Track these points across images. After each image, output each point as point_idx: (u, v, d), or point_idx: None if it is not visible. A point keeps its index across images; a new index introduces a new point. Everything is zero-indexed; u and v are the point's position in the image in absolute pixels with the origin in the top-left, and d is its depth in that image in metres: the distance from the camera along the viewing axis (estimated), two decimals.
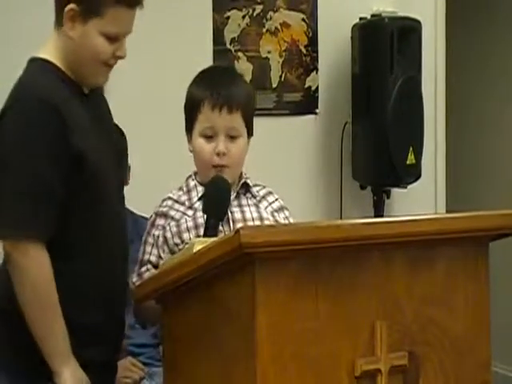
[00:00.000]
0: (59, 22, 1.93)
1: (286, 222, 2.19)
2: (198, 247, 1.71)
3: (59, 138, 1.84)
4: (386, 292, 1.71)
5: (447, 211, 4.06)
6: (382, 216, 3.67)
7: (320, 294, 1.63)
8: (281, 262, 1.59)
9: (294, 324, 1.61)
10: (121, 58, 1.96)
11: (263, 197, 2.19)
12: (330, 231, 1.64)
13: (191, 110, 2.11)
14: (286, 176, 3.62)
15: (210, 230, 2.00)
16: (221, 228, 2.04)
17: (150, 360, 2.73)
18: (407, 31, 3.63)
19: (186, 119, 2.14)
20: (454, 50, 4.31)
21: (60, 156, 1.85)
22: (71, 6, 1.88)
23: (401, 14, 3.76)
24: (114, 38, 1.91)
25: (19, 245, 1.81)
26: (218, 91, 2.06)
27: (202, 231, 2.04)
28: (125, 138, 2.66)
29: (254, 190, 2.18)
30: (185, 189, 2.16)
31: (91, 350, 1.90)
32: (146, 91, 3.13)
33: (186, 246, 1.96)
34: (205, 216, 2.03)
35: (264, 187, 2.22)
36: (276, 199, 2.21)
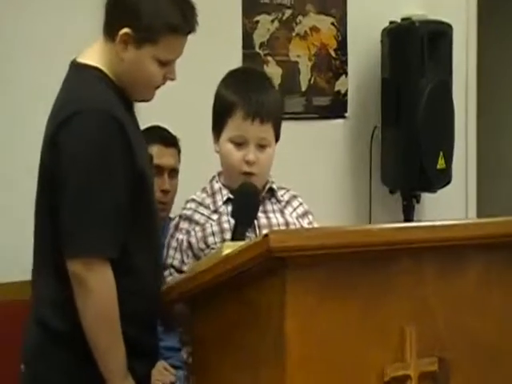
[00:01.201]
0: (109, 35, 1.90)
1: (311, 227, 2.18)
2: (226, 251, 1.71)
3: (128, 157, 1.83)
4: (416, 297, 1.69)
5: (478, 216, 4.03)
6: (411, 221, 3.64)
7: (350, 299, 1.62)
8: (310, 266, 1.58)
9: (323, 328, 1.60)
10: (171, 79, 1.95)
11: (288, 202, 2.18)
12: (360, 236, 1.63)
13: (221, 114, 2.10)
14: (315, 180, 3.61)
15: (238, 235, 2.00)
16: (247, 234, 2.03)
17: (179, 363, 2.73)
18: (438, 35, 3.60)
19: (214, 119, 2.13)
20: (486, 54, 4.27)
21: (129, 174, 1.84)
22: (127, 30, 1.86)
23: (431, 17, 3.73)
24: (166, 63, 1.91)
25: (92, 265, 1.79)
26: (250, 99, 2.05)
27: (227, 235, 2.05)
28: None
29: (279, 194, 2.17)
30: (209, 191, 2.15)
31: (133, 362, 1.89)
32: (176, 95, 3.14)
33: (214, 250, 1.96)
34: (230, 220, 2.03)
35: (288, 191, 2.21)
36: (300, 203, 2.20)
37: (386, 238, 1.63)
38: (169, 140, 2.91)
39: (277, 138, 2.14)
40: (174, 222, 2.14)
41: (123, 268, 1.85)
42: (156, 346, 2.04)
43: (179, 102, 3.21)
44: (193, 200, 2.15)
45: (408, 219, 3.70)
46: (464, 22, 3.96)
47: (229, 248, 1.72)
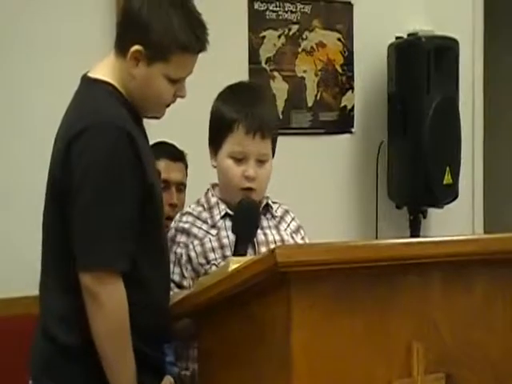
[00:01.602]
0: (121, 51, 1.91)
1: (303, 242, 2.18)
2: (233, 266, 1.71)
3: (138, 170, 1.84)
4: (422, 312, 1.69)
5: (485, 232, 4.01)
6: (418, 236, 3.63)
7: (356, 314, 1.62)
8: (316, 281, 1.58)
9: (329, 344, 1.59)
10: (181, 97, 1.96)
11: (281, 217, 2.19)
12: (366, 251, 1.62)
13: (220, 129, 2.09)
14: (322, 195, 3.61)
15: (239, 251, 2.01)
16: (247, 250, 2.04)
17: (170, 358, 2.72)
18: (444, 50, 3.61)
19: (211, 135, 2.13)
20: (492, 69, 4.27)
21: (139, 188, 1.84)
22: (138, 47, 1.86)
23: (438, 32, 3.74)
24: (176, 81, 1.92)
25: (104, 279, 1.79)
26: (252, 115, 2.05)
27: (227, 251, 2.05)
28: None
29: (274, 209, 2.18)
30: (205, 205, 2.14)
31: (142, 375, 1.88)
32: (181, 110, 3.15)
33: (222, 265, 1.96)
34: (230, 236, 2.03)
35: (280, 205, 2.22)
36: (293, 218, 2.21)
37: (392, 253, 1.63)
38: (176, 155, 2.93)
39: (273, 153, 2.15)
40: (169, 235, 2.12)
41: (133, 281, 1.85)
42: (163, 360, 2.04)
43: (185, 117, 3.22)
44: (189, 213, 2.14)
45: (414, 235, 3.69)
46: (470, 37, 3.97)
47: (235, 263, 1.72)
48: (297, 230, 2.20)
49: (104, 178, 1.81)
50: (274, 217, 2.17)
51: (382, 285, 1.64)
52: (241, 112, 2.06)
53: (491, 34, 4.19)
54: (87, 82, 1.95)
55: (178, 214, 2.18)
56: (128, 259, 1.83)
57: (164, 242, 1.99)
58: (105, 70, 1.94)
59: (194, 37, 1.89)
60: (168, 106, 1.97)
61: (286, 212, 2.21)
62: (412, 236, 3.64)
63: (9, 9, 2.98)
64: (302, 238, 2.20)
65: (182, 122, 3.22)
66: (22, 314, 2.61)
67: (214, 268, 2.05)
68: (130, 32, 1.90)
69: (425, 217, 3.75)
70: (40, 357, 1.92)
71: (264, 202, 2.16)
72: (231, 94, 2.15)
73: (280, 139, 2.20)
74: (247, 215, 2.07)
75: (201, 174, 2.98)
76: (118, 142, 1.81)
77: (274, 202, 2.20)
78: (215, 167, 2.13)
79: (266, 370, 1.63)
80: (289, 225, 2.19)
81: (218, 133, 2.10)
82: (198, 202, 2.17)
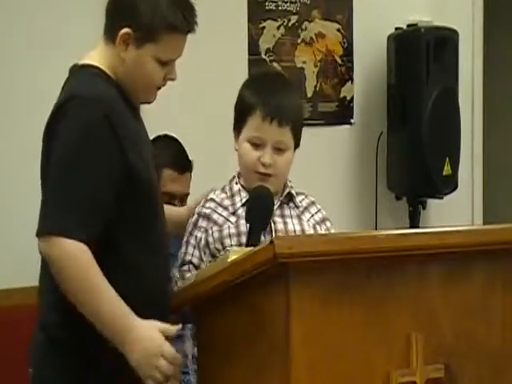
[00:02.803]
0: (109, 37, 1.92)
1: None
2: (233, 256, 1.72)
3: (115, 150, 1.84)
4: (421, 303, 1.69)
5: (484, 222, 4.02)
6: (417, 227, 3.64)
7: (355, 305, 1.62)
8: (315, 272, 1.58)
9: (328, 334, 1.60)
10: (172, 80, 1.97)
11: (306, 207, 2.19)
12: (365, 242, 1.63)
13: (241, 113, 2.12)
14: (321, 186, 3.60)
15: (252, 239, 2.01)
16: (263, 238, 2.03)
17: (185, 369, 2.73)
18: (444, 41, 3.60)
19: (235, 119, 2.15)
20: (492, 60, 4.27)
21: (114, 168, 1.84)
22: (127, 30, 1.88)
23: (437, 23, 3.73)
24: (166, 63, 1.93)
25: (52, 241, 1.79)
26: (269, 100, 2.07)
27: (243, 239, 2.06)
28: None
29: (298, 199, 2.18)
30: (228, 193, 2.17)
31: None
32: (181, 100, 3.15)
33: (221, 255, 1.96)
34: (247, 225, 2.04)
35: (307, 196, 2.22)
36: (319, 210, 2.21)
37: (391, 244, 1.63)
38: (184, 166, 2.79)
39: (297, 144, 2.15)
40: (192, 220, 2.16)
41: (122, 267, 1.86)
42: None
43: (184, 106, 3.22)
44: (212, 200, 2.16)
45: (414, 225, 3.69)
46: (470, 27, 3.96)
47: (235, 253, 1.73)
48: (322, 222, 2.19)
49: (74, 146, 1.81)
50: (297, 206, 2.17)
51: (380, 276, 1.65)
52: (259, 97, 2.08)
53: (491, 24, 4.18)
54: (75, 70, 1.97)
55: (203, 200, 2.19)
56: (87, 230, 1.80)
57: (161, 230, 1.98)
58: (94, 56, 1.96)
59: (182, 17, 1.90)
60: (159, 89, 1.98)
61: (312, 203, 2.21)
62: (411, 227, 3.64)
63: (8, 8, 2.97)
64: (327, 230, 2.19)
65: (181, 112, 3.22)
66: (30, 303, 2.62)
67: None
68: (118, 16, 1.91)
69: (424, 208, 3.75)
70: (36, 347, 1.94)
71: (286, 191, 2.16)
72: (256, 79, 2.20)
73: None
74: (260, 203, 2.07)
75: (201, 165, 3.00)
76: (95, 115, 1.82)
77: (300, 193, 2.21)
78: (237, 151, 2.14)
79: (266, 360, 1.64)
80: (313, 215, 2.18)
81: (240, 116, 2.13)
82: (223, 189, 2.19)
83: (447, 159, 3.62)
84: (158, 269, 1.94)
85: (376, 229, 3.66)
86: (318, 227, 2.17)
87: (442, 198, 3.72)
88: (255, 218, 2.04)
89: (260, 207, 2.06)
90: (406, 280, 1.68)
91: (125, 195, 1.86)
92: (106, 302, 1.79)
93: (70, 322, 1.86)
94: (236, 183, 2.17)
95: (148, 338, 1.78)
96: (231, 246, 2.06)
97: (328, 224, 2.21)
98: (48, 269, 1.89)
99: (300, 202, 2.18)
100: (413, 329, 1.67)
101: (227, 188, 2.18)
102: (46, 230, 1.81)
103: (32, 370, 1.96)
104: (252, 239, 2.00)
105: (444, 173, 3.62)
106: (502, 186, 4.83)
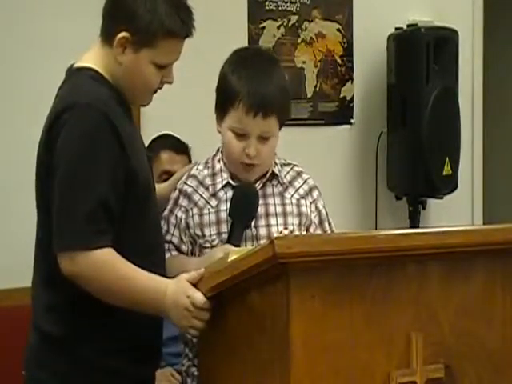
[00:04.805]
0: (106, 39, 1.91)
1: (313, 206, 2.16)
2: (232, 256, 1.72)
3: (117, 150, 1.83)
4: (421, 303, 1.69)
5: (484, 222, 4.02)
6: (417, 227, 3.64)
7: (355, 305, 1.62)
8: (315, 272, 1.58)
9: (328, 334, 1.60)
10: (169, 83, 1.96)
11: (290, 182, 2.16)
12: (365, 242, 1.63)
13: (224, 100, 2.07)
14: (321, 186, 3.58)
15: (234, 239, 2.02)
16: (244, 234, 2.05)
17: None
18: (444, 41, 3.60)
19: (217, 100, 2.10)
20: (492, 60, 4.27)
21: (119, 169, 1.83)
22: (124, 34, 1.87)
23: (437, 23, 3.74)
24: (163, 66, 1.92)
25: (76, 259, 1.78)
26: (254, 92, 2.01)
27: (223, 227, 2.06)
28: None
29: (282, 173, 2.16)
30: (210, 170, 2.14)
31: (137, 365, 1.90)
32: (181, 101, 3.15)
33: (220, 256, 1.96)
34: (229, 218, 2.04)
35: (292, 168, 2.19)
36: (305, 181, 2.18)
37: (391, 244, 1.63)
38: (180, 147, 2.91)
39: (282, 124, 2.10)
40: (173, 195, 2.14)
41: None
42: (159, 348, 2.03)
43: (185, 108, 3.22)
44: (194, 176, 2.14)
45: (414, 225, 3.69)
46: (470, 27, 3.96)
47: (235, 253, 1.73)
48: (307, 194, 2.17)
49: (78, 157, 1.80)
50: (280, 183, 2.15)
51: (380, 276, 1.65)
52: (244, 86, 2.03)
53: (491, 24, 4.18)
54: (71, 72, 1.96)
55: (185, 175, 2.17)
56: (103, 237, 1.80)
57: (156, 230, 1.98)
58: (89, 58, 1.94)
59: (180, 22, 1.89)
60: (155, 92, 1.97)
61: (298, 175, 2.18)
62: (411, 227, 3.64)
63: (8, 8, 2.97)
64: (313, 201, 2.17)
65: (182, 113, 3.22)
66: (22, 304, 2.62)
67: (207, 245, 2.08)
68: (116, 19, 1.90)
69: (424, 208, 3.75)
70: (29, 347, 1.94)
71: (270, 172, 2.14)
72: (240, 62, 2.09)
73: None
74: (244, 204, 2.07)
75: (195, 152, 3.01)
76: (94, 122, 1.81)
77: (286, 164, 2.18)
78: (220, 132, 2.12)
79: (266, 361, 1.64)
80: (297, 189, 2.16)
81: (222, 103, 2.09)
82: (206, 164, 2.17)
83: (447, 159, 3.63)
84: (154, 268, 1.94)
85: (376, 229, 3.66)
86: (302, 201, 2.14)
87: (441, 198, 3.72)
88: (238, 218, 2.04)
89: (244, 208, 2.06)
90: (406, 280, 1.68)
91: (124, 197, 1.86)
92: (140, 289, 1.80)
93: (63, 323, 1.85)
94: (218, 160, 2.14)
95: (175, 291, 1.78)
96: (210, 235, 2.06)
97: (315, 194, 2.18)
98: (41, 270, 1.88)
99: (285, 175, 2.16)
100: (413, 329, 1.67)
101: (210, 164, 2.15)
102: (68, 246, 1.78)
103: (25, 373, 1.95)
104: (233, 239, 2.02)
105: (444, 173, 3.62)
106: (501, 186, 4.83)
